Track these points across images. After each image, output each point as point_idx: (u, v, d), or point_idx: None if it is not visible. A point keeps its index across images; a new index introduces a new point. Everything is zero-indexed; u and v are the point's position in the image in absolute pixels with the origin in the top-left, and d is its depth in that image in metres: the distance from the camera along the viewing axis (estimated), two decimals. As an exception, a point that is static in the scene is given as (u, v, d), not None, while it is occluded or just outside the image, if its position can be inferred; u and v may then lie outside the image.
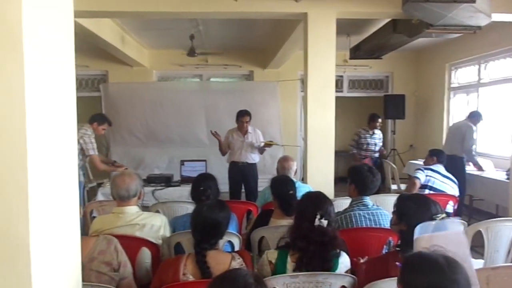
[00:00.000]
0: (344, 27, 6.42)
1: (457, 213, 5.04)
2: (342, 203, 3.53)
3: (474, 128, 5.71)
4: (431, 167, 4.17)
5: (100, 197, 4.68)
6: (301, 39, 4.77)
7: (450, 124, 7.49)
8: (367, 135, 6.80)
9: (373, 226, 2.67)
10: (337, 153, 9.46)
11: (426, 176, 4.07)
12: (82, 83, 8.46)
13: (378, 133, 6.84)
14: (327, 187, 4.31)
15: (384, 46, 5.85)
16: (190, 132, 8.03)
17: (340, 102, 9.25)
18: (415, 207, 1.88)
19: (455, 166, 5.70)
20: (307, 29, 4.26)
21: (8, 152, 1.10)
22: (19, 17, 1.05)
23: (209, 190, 2.67)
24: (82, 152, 4.44)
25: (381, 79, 8.87)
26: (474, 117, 5.79)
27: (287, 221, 2.70)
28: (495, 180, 5.22)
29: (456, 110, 7.43)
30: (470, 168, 6.14)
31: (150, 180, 4.95)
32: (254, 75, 8.61)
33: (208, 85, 8.51)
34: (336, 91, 8.60)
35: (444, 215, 1.84)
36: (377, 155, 6.94)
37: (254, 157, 5.24)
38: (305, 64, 4.33)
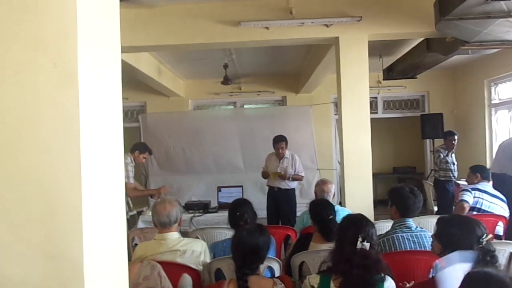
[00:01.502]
0: (376, 49, 6.43)
1: (507, 235, 4.83)
2: (384, 226, 3.45)
3: None
4: (478, 186, 3.98)
5: (140, 224, 4.80)
6: (333, 63, 4.81)
7: (493, 142, 7.22)
8: (447, 157, 6.30)
9: (418, 249, 2.58)
10: (375, 176, 9.32)
11: (474, 197, 3.87)
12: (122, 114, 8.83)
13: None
14: (366, 211, 4.21)
15: (419, 65, 5.79)
16: (226, 159, 8.15)
17: (375, 123, 9.18)
18: (459, 233, 1.81)
19: (505, 185, 5.47)
20: (339, 53, 4.30)
21: (64, 178, 1.17)
22: (75, 55, 1.14)
23: (246, 214, 2.69)
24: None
25: (416, 98, 8.71)
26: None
27: (327, 246, 2.67)
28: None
29: (498, 127, 7.14)
30: None
31: (188, 207, 5.03)
32: (287, 100, 8.69)
33: (242, 112, 8.66)
34: (371, 113, 8.69)
35: (490, 236, 1.77)
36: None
37: (288, 183, 5.21)
38: (338, 87, 4.35)
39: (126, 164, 4.69)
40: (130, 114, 8.86)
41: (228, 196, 5.33)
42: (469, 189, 3.92)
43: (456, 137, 6.31)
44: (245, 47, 5.68)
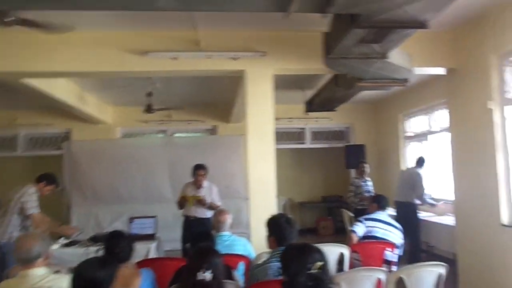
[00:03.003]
0: (299, 82, 6.75)
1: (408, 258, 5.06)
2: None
3: (421, 173, 6.01)
4: (372, 216, 4.18)
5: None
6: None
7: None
8: (362, 183, 6.61)
9: (291, 277, 2.64)
10: (304, 205, 9.59)
11: (367, 227, 4.04)
12: (45, 141, 8.50)
13: (369, 179, 6.73)
14: (271, 239, 4.27)
15: (332, 99, 6.09)
16: (154, 188, 8.01)
17: (303, 153, 9.54)
18: (293, 260, 1.89)
19: (408, 212, 5.88)
20: (246, 86, 4.44)
21: None
22: None
23: (117, 249, 2.62)
24: (22, 211, 4.36)
25: (342, 130, 9.12)
26: (421, 163, 6.13)
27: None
28: (445, 225, 5.28)
29: (411, 158, 7.62)
30: (426, 214, 6.28)
31: (97, 239, 4.83)
32: (218, 129, 8.76)
33: (171, 140, 8.60)
34: (299, 143, 9.02)
35: (321, 263, 1.85)
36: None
37: (205, 211, 5.18)
38: (246, 119, 4.46)
39: (29, 195, 4.46)
40: (54, 141, 8.51)
41: (141, 227, 5.21)
42: (363, 220, 4.10)
43: (365, 164, 6.68)
44: (172, 76, 5.74)
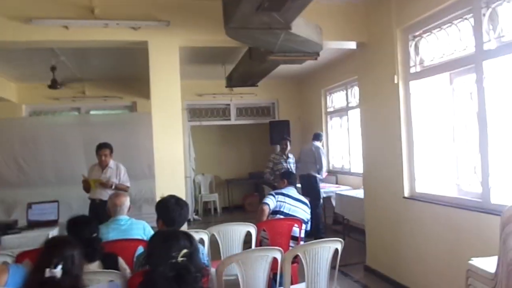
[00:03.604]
0: (219, 56, 6.48)
1: (313, 234, 5.15)
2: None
3: (320, 147, 6.45)
4: (283, 190, 4.13)
5: None
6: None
7: (329, 146, 7.81)
8: (282, 160, 6.56)
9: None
10: (231, 181, 9.51)
11: (278, 201, 4.00)
12: None
13: (291, 157, 6.67)
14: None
15: (251, 74, 5.93)
16: (68, 170, 7.43)
17: (229, 130, 9.39)
18: (158, 248, 1.71)
19: (310, 183, 6.27)
20: (150, 59, 4.11)
21: None
22: None
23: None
24: None
25: (267, 106, 9.06)
26: (317, 137, 6.57)
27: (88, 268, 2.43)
28: (358, 198, 5.42)
29: (332, 132, 7.76)
30: (342, 188, 6.48)
31: (-16, 228, 4.35)
32: (137, 106, 8.30)
33: (86, 118, 8.02)
34: (224, 119, 8.84)
35: (185, 251, 1.69)
36: None
37: (110, 193, 4.83)
38: (150, 95, 4.15)
39: None
40: None
41: (41, 213, 4.78)
42: (273, 194, 4.04)
43: (287, 142, 6.67)
44: (81, 48, 5.21)
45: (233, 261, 2.62)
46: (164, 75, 4.16)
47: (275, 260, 2.76)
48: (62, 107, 8.13)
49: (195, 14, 4.09)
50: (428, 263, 3.72)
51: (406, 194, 4.10)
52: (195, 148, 8.74)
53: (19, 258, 3.12)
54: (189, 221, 8.22)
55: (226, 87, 7.19)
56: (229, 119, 8.82)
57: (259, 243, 3.70)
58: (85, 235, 2.50)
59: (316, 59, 4.38)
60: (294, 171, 6.20)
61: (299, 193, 4.22)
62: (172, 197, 2.67)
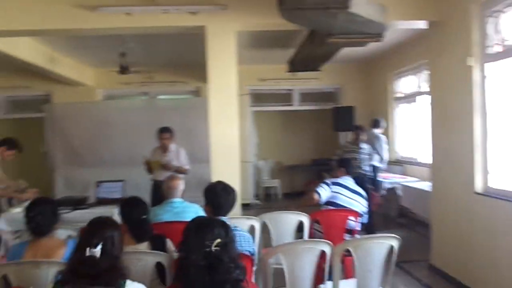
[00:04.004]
0: (280, 40, 6.35)
1: (369, 227, 4.91)
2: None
3: (380, 135, 6.06)
4: (339, 180, 3.95)
5: (1, 223, 4.41)
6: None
7: (394, 135, 7.38)
8: (353, 149, 5.92)
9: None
10: (294, 168, 9.40)
11: (332, 192, 3.83)
12: (26, 104, 8.32)
13: (365, 147, 5.94)
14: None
15: (313, 58, 5.74)
16: (137, 152, 7.83)
17: (292, 116, 9.25)
18: (192, 236, 1.68)
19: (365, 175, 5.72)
20: (207, 44, 4.12)
21: None
22: None
23: (40, 216, 2.45)
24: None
25: (331, 91, 8.77)
26: (377, 124, 6.15)
27: (134, 248, 2.51)
28: (422, 190, 5.07)
29: (400, 120, 7.31)
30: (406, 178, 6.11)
31: (59, 203, 4.67)
32: (202, 91, 8.46)
33: (154, 103, 8.38)
34: (287, 105, 8.70)
35: (219, 240, 1.64)
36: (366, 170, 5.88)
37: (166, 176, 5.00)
38: (207, 79, 4.17)
39: (-13, 159, 4.31)
40: (34, 104, 8.31)
41: (108, 191, 5.08)
42: (329, 183, 3.88)
43: (361, 131, 6.01)
44: (149, 34, 5.40)
45: (278, 252, 2.56)
46: (221, 60, 4.15)
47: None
48: (132, 92, 8.55)
49: (254, -3, 4.00)
50: (502, 268, 3.35)
51: (479, 189, 3.71)
52: (258, 134, 8.75)
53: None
54: (248, 205, 8.31)
55: (287, 71, 7.05)
56: (292, 105, 8.69)
57: (312, 234, 3.59)
58: (135, 216, 2.59)
59: (380, 40, 4.10)
60: (368, 164, 5.78)
61: (357, 184, 4.01)
62: (219, 183, 2.65)
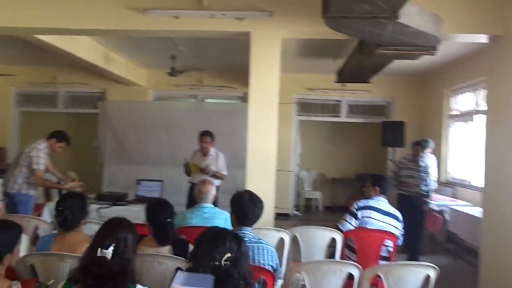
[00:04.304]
0: (330, 49, 6.20)
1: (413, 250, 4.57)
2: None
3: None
4: (370, 203, 3.56)
5: (46, 215, 4.61)
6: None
7: (447, 154, 6.94)
8: (410, 166, 5.51)
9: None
10: (337, 181, 9.14)
11: (363, 217, 3.49)
12: (83, 100, 8.76)
13: (425, 165, 5.49)
14: (265, 217, 3.98)
15: (362, 69, 5.53)
16: (180, 153, 7.98)
17: (338, 127, 9.00)
18: (203, 247, 1.61)
19: (412, 202, 5.29)
20: (251, 50, 4.08)
21: None
22: None
23: (67, 210, 2.50)
24: (30, 166, 4.45)
25: (382, 104, 8.43)
26: (426, 144, 5.65)
27: (155, 250, 2.50)
28: (472, 215, 4.69)
29: (454, 139, 6.86)
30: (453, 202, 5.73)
31: (100, 198, 4.88)
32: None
33: (202, 106, 8.51)
34: (334, 116, 8.48)
35: (229, 255, 1.56)
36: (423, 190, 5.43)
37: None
38: (249, 84, 4.13)
39: (38, 150, 4.51)
40: (90, 100, 8.73)
41: (147, 190, 5.19)
42: (356, 210, 3.52)
43: (420, 147, 5.53)
44: (200, 38, 5.48)
45: (302, 270, 2.43)
46: (264, 67, 4.09)
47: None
48: (181, 94, 8.74)
49: (299, 4, 3.91)
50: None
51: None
52: (302, 143, 8.61)
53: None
54: (287, 215, 8.17)
55: (335, 82, 6.87)
56: (339, 116, 8.47)
57: (345, 254, 3.41)
58: (160, 219, 2.58)
59: (433, 54, 3.85)
60: (426, 183, 5.33)
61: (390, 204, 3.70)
62: (247, 192, 2.59)
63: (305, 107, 8.51)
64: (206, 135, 5.11)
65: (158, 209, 2.61)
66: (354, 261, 3.22)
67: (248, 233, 2.48)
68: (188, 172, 5.17)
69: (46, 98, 8.80)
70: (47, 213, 4.64)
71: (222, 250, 1.58)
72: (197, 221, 3.31)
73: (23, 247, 2.46)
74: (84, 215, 2.58)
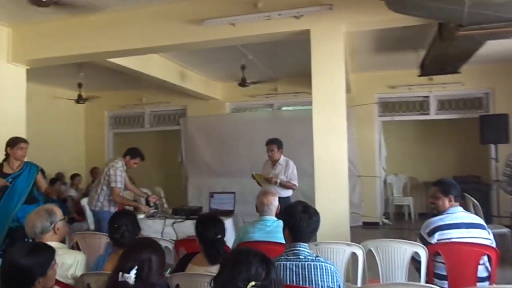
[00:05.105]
0: (409, 41, 5.62)
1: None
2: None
3: None
4: (447, 220, 2.85)
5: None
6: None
7: None
8: None
9: (301, 284, 2.10)
10: (430, 185, 8.18)
11: (438, 240, 2.83)
12: (166, 118, 9.19)
13: None
14: (339, 231, 3.64)
15: (446, 57, 4.87)
16: (261, 163, 7.91)
17: (427, 125, 8.13)
18: (226, 272, 1.38)
19: None
20: (312, 48, 3.80)
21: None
22: None
23: (124, 227, 2.46)
24: (109, 184, 4.66)
25: (478, 97, 7.43)
26: None
27: (205, 270, 2.34)
28: None
29: None
30: None
31: (175, 212, 4.93)
32: (326, 101, 8.09)
33: (278, 114, 8.37)
34: (422, 114, 7.71)
35: (253, 284, 1.30)
36: None
37: (278, 189, 4.75)
38: (312, 86, 3.85)
39: (115, 169, 4.72)
40: (173, 118, 9.12)
41: (220, 203, 5.12)
42: (427, 237, 2.88)
43: None
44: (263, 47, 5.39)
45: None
46: (327, 66, 3.79)
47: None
48: (258, 104, 8.68)
49: (362, -8, 3.54)
50: None
51: None
52: (387, 146, 7.96)
53: (177, 245, 3.34)
54: (376, 224, 7.57)
55: (419, 76, 6.20)
56: (428, 113, 7.65)
57: (431, 273, 2.90)
58: (209, 236, 2.42)
59: (532, 28, 3.18)
60: None
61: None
62: (300, 203, 2.30)
63: (388, 106, 7.87)
64: (271, 143, 4.91)
65: (207, 225, 2.46)
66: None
67: (304, 249, 2.19)
68: (258, 183, 5.01)
69: (134, 119, 9.41)
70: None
71: (246, 276, 1.34)
72: (259, 235, 3.10)
73: (80, 266, 2.49)
74: (139, 231, 2.54)
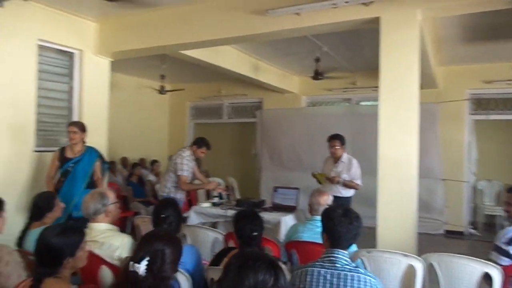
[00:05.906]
0: (506, 27, 4.91)
1: None
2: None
3: None
4: None
5: (192, 216, 4.93)
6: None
7: None
8: None
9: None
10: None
11: None
12: (242, 110, 9.31)
13: None
14: (405, 240, 3.31)
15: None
16: (334, 158, 7.67)
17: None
18: (233, 272, 1.27)
19: None
20: (381, 38, 3.49)
21: None
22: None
23: (171, 217, 2.48)
24: (176, 171, 4.83)
25: None
26: None
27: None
28: None
29: None
30: None
31: (239, 204, 4.95)
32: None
33: (355, 109, 7.97)
34: (507, 113, 6.72)
35: None
36: None
37: (340, 189, 4.51)
38: (379, 80, 3.54)
39: (182, 157, 4.86)
40: (249, 110, 9.20)
41: (283, 198, 5.02)
42: (505, 247, 2.58)
43: None
44: (341, 37, 5.16)
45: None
46: (399, 57, 3.44)
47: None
48: (335, 98, 8.37)
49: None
50: None
51: None
52: (479, 148, 7.14)
53: (227, 238, 3.32)
54: (461, 233, 6.86)
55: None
56: (514, 112, 6.70)
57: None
58: (246, 232, 2.34)
59: None
60: None
61: None
62: (339, 207, 2.10)
63: (481, 103, 7.03)
64: (334, 139, 4.65)
65: (244, 221, 2.38)
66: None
67: (342, 257, 2.00)
68: (320, 183, 4.80)
69: (213, 110, 9.67)
70: (193, 216, 4.96)
71: (252, 282, 1.22)
72: (308, 235, 2.95)
73: (126, 249, 2.57)
74: (183, 220, 2.56)
